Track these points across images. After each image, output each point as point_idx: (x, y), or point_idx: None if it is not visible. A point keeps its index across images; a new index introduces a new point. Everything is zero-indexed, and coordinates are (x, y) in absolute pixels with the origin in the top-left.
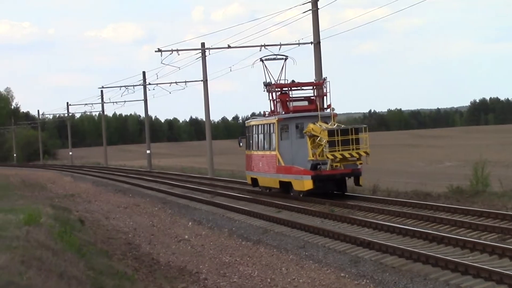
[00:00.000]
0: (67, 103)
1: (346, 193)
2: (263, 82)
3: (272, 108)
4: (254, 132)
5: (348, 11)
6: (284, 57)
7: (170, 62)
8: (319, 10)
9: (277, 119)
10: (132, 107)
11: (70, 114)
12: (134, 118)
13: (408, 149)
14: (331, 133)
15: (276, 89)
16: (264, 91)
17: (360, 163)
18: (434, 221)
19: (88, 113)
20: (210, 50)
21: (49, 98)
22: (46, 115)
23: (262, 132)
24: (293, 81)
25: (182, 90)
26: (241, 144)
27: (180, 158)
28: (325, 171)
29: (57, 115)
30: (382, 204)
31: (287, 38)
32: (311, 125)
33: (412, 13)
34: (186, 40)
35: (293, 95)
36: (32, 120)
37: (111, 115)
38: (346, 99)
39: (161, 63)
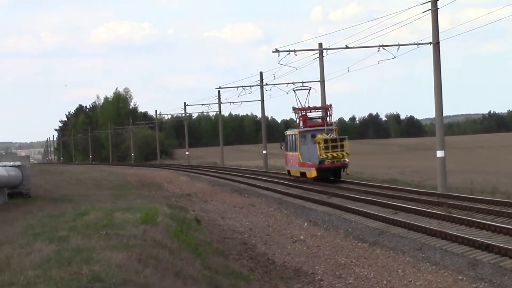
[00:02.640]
0: (185, 103)
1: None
2: (292, 107)
3: (297, 124)
4: (288, 140)
5: (468, 11)
6: (309, 88)
7: (287, 62)
8: (438, 9)
9: (298, 131)
10: (248, 108)
11: (187, 114)
12: (251, 118)
13: None
14: (325, 141)
15: (298, 112)
16: (292, 112)
17: (344, 160)
18: None
19: (205, 113)
20: (328, 50)
21: (166, 98)
22: (164, 115)
23: (292, 140)
24: (309, 106)
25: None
26: (282, 147)
27: None
28: (324, 165)
29: (174, 115)
30: (501, 206)
31: (406, 39)
32: (319, 136)
33: None
34: (304, 41)
35: (310, 115)
36: (150, 120)
37: (227, 115)
38: (465, 100)
39: (278, 63)
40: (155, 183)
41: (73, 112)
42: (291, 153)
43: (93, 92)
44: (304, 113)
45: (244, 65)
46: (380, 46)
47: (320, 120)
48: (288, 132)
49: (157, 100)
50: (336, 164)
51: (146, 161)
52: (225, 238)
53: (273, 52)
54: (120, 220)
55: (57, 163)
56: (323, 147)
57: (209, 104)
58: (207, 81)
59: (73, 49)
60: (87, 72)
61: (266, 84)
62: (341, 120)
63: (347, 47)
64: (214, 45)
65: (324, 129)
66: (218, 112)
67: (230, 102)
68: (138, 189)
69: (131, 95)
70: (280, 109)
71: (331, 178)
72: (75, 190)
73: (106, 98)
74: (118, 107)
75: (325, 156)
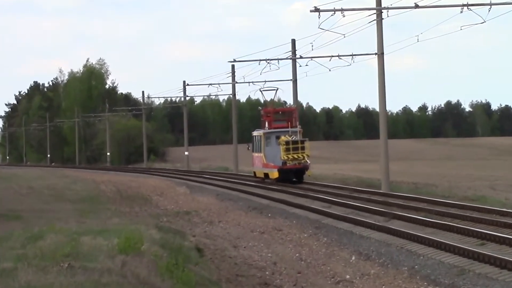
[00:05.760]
0: (184, 82)
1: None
2: (258, 108)
3: (263, 124)
4: (254, 140)
5: None
6: (276, 88)
7: (331, 27)
8: None
9: (263, 132)
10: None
11: (187, 98)
12: (278, 105)
13: None
14: (287, 143)
15: (263, 113)
16: (261, 114)
17: (305, 161)
18: None
19: (213, 97)
20: (389, 10)
21: (158, 75)
22: (154, 99)
23: (257, 140)
24: (275, 108)
25: (347, 67)
26: (249, 148)
27: (342, 163)
28: (286, 166)
29: (169, 99)
30: None
31: None
32: (282, 137)
33: None
34: None
35: (276, 117)
36: (134, 106)
37: (244, 100)
38: None
39: (318, 28)
40: (139, 196)
41: (26, 92)
42: (256, 154)
43: (54, 65)
44: (270, 115)
45: (269, 30)
46: (464, 5)
47: (285, 122)
48: (255, 133)
49: (145, 77)
50: (297, 166)
51: (127, 164)
52: (238, 276)
53: (311, 11)
54: (89, 247)
55: (0, 164)
56: (285, 148)
57: (218, 84)
58: (216, 52)
59: (30, 4)
60: (47, 36)
61: (301, 57)
62: (406, 110)
63: (417, 7)
64: (227, 2)
65: (288, 131)
66: (231, 96)
67: (249, 82)
68: (116, 203)
69: (107, 70)
70: (319, 92)
71: (294, 180)
72: (25, 204)
73: (72, 73)
74: (90, 87)
75: (286, 158)
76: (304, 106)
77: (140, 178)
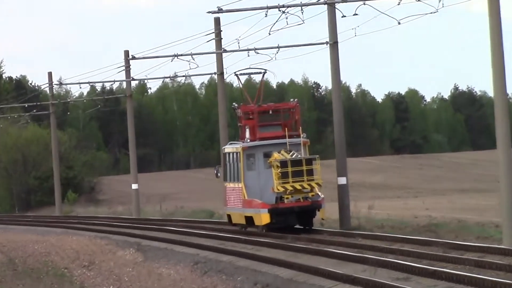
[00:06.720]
0: (126, 53)
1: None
2: (233, 105)
3: (242, 133)
4: (227, 161)
5: None
6: (262, 70)
7: None
8: None
9: (242, 147)
10: (295, 63)
11: (133, 84)
12: (301, 89)
13: None
14: (283, 163)
15: (241, 114)
16: (237, 113)
17: (312, 195)
18: None
19: (182, 80)
20: None
21: (77, 43)
22: (70, 86)
23: (233, 161)
24: (260, 105)
25: (430, 15)
26: (218, 174)
27: (428, 196)
28: (282, 204)
29: (99, 88)
30: None
31: None
32: (275, 155)
33: None
34: None
35: (264, 120)
36: (34, 100)
37: (235, 85)
38: None
39: None
40: (49, 270)
41: None
42: (232, 185)
43: None
44: (253, 117)
45: None
46: None
47: (280, 128)
48: (228, 149)
49: (53, 48)
50: (303, 202)
51: (25, 210)
52: None
53: None
54: None
55: None
56: (280, 174)
57: (191, 54)
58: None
59: None
60: None
61: (344, 1)
62: None
63: None
64: None
65: (285, 143)
66: (215, 76)
67: (248, 49)
68: (5, 283)
69: None
70: (381, 66)
71: (297, 226)
72: None
73: None
74: None
75: (282, 189)
76: (353, 91)
77: (50, 237)
